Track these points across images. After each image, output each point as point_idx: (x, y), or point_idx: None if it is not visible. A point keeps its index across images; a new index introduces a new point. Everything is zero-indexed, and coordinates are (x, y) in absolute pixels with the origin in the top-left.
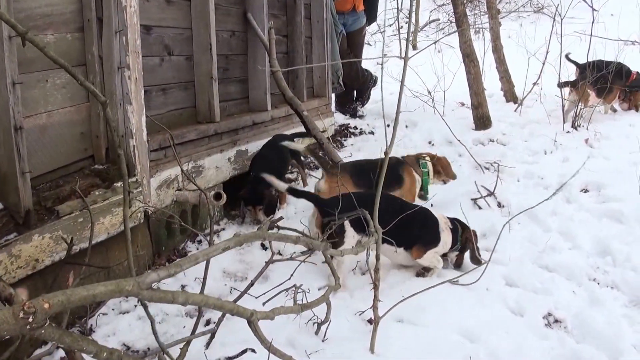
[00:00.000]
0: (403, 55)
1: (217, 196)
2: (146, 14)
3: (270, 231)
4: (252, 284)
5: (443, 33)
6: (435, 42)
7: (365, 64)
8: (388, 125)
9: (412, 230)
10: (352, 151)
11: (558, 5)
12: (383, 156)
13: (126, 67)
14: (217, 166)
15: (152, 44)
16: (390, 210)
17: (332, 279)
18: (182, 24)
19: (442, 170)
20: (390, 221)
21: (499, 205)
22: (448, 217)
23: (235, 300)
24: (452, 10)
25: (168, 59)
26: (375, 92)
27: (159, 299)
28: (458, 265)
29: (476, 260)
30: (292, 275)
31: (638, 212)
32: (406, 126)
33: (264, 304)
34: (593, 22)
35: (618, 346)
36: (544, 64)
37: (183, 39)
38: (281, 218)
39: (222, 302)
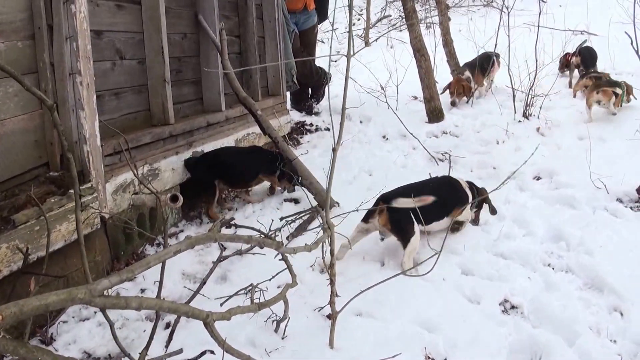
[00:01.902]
0: (354, 51)
1: (174, 198)
2: (97, 19)
3: (221, 232)
4: (204, 283)
5: (395, 29)
6: (377, 39)
7: (319, 62)
8: (347, 119)
9: (451, 197)
10: (309, 148)
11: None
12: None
13: (77, 73)
14: (174, 168)
15: (104, 49)
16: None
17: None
18: (133, 28)
19: None
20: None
21: None
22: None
23: (189, 302)
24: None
25: (120, 63)
26: (329, 89)
27: (112, 305)
28: (476, 221)
29: (494, 211)
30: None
31: (590, 197)
32: (360, 121)
33: (221, 304)
34: (540, 14)
35: (574, 329)
36: (492, 56)
37: (135, 43)
38: (232, 219)
39: (177, 305)
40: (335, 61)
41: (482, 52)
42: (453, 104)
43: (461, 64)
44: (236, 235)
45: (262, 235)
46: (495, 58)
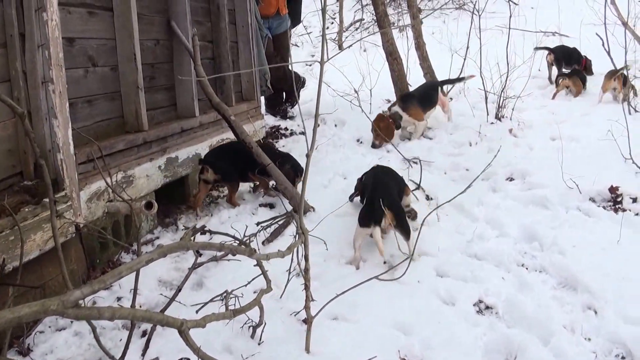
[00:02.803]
0: (328, 56)
1: (149, 205)
2: (68, 26)
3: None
4: (179, 290)
5: (368, 32)
6: (350, 46)
7: (293, 66)
8: (318, 125)
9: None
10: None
11: (476, 2)
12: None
13: (50, 81)
14: (148, 175)
15: (76, 56)
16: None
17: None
18: (106, 34)
19: None
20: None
21: (427, 198)
22: None
23: (164, 310)
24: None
25: (93, 70)
26: (304, 93)
27: (84, 316)
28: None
29: None
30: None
31: (562, 197)
32: (335, 125)
33: (197, 311)
34: (511, 16)
35: (549, 327)
36: (465, 58)
37: (107, 50)
38: (204, 227)
39: (151, 313)
40: (310, 65)
41: (427, 81)
42: (374, 146)
43: (434, 67)
44: (209, 242)
45: (237, 241)
46: (440, 87)
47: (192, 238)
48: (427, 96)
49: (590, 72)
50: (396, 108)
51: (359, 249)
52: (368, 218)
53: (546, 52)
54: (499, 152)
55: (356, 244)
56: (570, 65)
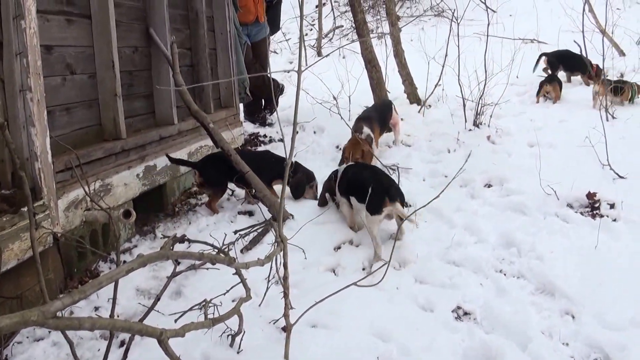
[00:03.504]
0: (307, 62)
1: (127, 214)
2: (47, 34)
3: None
4: (158, 299)
5: (347, 39)
6: (328, 55)
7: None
8: (297, 132)
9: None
10: None
11: (454, 10)
12: None
13: (28, 89)
14: (126, 183)
15: (54, 64)
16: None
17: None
18: (84, 42)
19: None
20: None
21: (406, 204)
22: None
23: (142, 319)
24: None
25: (71, 78)
26: (283, 100)
27: (65, 326)
28: None
29: None
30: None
31: (540, 203)
32: (314, 132)
33: (176, 320)
34: (489, 24)
35: (527, 333)
36: (443, 66)
37: (85, 57)
38: (184, 236)
39: (130, 323)
40: (288, 72)
41: (381, 100)
42: None
43: (413, 74)
44: (188, 252)
45: (216, 250)
46: (393, 107)
47: (171, 247)
48: (383, 117)
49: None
50: (367, 130)
51: (378, 238)
52: (381, 202)
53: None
54: (475, 157)
55: (374, 232)
56: (572, 72)
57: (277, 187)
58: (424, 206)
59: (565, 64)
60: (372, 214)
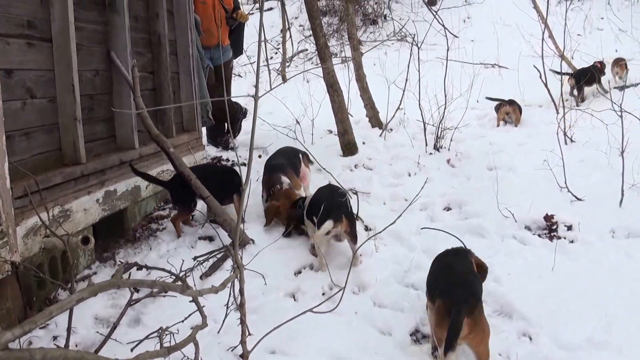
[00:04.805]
0: (271, 88)
1: (85, 240)
2: (7, 57)
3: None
4: (114, 328)
5: (311, 63)
6: (291, 77)
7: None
8: (260, 156)
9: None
10: None
11: (415, 35)
12: None
13: None
14: (85, 209)
15: (14, 88)
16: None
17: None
18: (44, 65)
19: None
20: None
21: (366, 228)
22: None
23: (99, 349)
24: None
25: (31, 102)
26: (246, 124)
27: (16, 358)
28: None
29: None
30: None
31: (498, 226)
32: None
33: (132, 349)
34: (448, 50)
35: None
36: (404, 90)
37: (45, 81)
38: (136, 263)
39: (83, 353)
40: (247, 96)
41: (285, 147)
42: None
43: (375, 98)
44: (140, 280)
45: (173, 277)
46: (301, 156)
47: (123, 275)
48: (295, 166)
49: (603, 73)
50: (286, 180)
51: (323, 255)
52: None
53: (566, 77)
54: (434, 181)
55: (321, 249)
56: (590, 84)
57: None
58: (380, 232)
59: (585, 79)
60: (319, 228)
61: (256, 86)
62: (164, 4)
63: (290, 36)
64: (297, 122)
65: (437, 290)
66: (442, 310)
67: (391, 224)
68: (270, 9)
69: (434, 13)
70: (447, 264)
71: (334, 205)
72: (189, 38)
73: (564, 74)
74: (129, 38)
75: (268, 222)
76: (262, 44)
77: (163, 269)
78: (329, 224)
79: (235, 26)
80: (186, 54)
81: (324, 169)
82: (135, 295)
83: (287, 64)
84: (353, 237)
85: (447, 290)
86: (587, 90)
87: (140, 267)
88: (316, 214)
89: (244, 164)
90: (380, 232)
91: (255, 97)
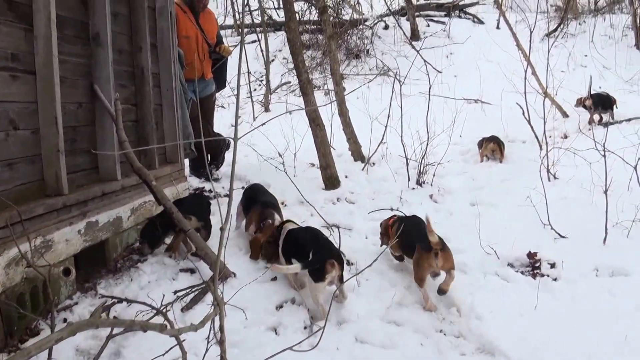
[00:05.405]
0: (255, 116)
1: (66, 272)
2: None
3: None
4: None
5: (295, 95)
6: (274, 117)
7: (218, 127)
8: (243, 187)
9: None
10: None
11: (397, 71)
12: None
13: None
14: (67, 239)
15: None
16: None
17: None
18: (28, 97)
19: None
20: None
21: (348, 263)
22: None
23: None
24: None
25: (14, 134)
26: (229, 155)
27: None
28: None
29: None
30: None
31: (480, 262)
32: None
33: None
34: (430, 87)
35: None
36: (386, 126)
37: (29, 113)
38: (115, 297)
39: None
40: (232, 138)
41: (260, 185)
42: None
43: (357, 132)
44: (118, 320)
45: (154, 311)
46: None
47: (102, 314)
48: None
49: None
50: (277, 217)
51: (324, 303)
52: (319, 275)
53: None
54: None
55: (320, 300)
56: (605, 110)
57: None
58: (363, 270)
59: (602, 104)
60: (316, 281)
61: (235, 127)
62: (148, 37)
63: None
64: (280, 155)
65: (416, 241)
66: (422, 251)
67: (374, 261)
68: (254, 41)
69: (417, 50)
70: (413, 224)
71: (326, 250)
72: (172, 71)
73: (586, 105)
74: (112, 71)
75: (255, 257)
76: (243, 80)
77: (144, 303)
78: (333, 274)
79: (218, 60)
80: (169, 86)
81: (308, 201)
82: (116, 329)
83: (270, 95)
84: (341, 279)
85: (425, 240)
86: (573, 127)
87: (120, 301)
88: (295, 255)
89: (227, 196)
90: (362, 271)
91: (235, 139)
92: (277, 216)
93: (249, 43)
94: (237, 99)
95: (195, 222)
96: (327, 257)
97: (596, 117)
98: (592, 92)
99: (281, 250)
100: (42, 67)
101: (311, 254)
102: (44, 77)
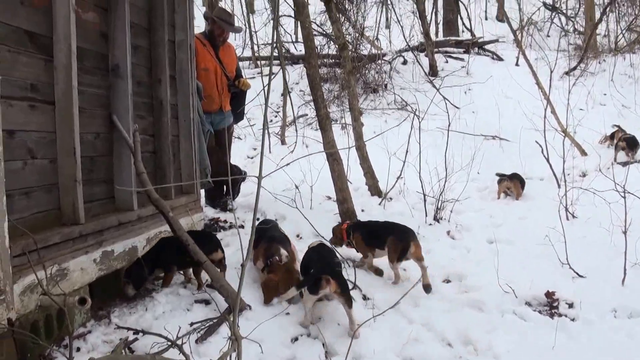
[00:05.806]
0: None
1: (82, 301)
2: (10, 118)
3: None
4: None
5: (311, 128)
6: (290, 153)
7: (234, 159)
8: (258, 219)
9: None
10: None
11: (415, 108)
12: None
13: None
14: (82, 268)
15: (15, 148)
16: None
17: None
18: (46, 127)
19: None
20: None
21: (364, 297)
22: None
23: None
24: None
25: (32, 162)
26: (245, 186)
27: None
28: None
29: None
30: None
31: (498, 300)
32: (275, 219)
33: None
34: (449, 124)
35: None
36: (404, 162)
37: (47, 142)
38: (137, 337)
39: None
40: (252, 158)
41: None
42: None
43: (375, 166)
44: (138, 356)
45: (169, 342)
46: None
47: (124, 350)
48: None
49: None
50: (284, 252)
51: (309, 311)
52: (312, 287)
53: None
54: (434, 252)
55: (306, 308)
56: (634, 151)
57: None
58: (383, 313)
59: (633, 145)
60: (310, 292)
61: (260, 165)
62: (167, 70)
63: (291, 100)
64: (297, 188)
65: (390, 236)
66: (396, 242)
67: (396, 304)
68: (273, 74)
69: (436, 88)
70: (384, 224)
71: (324, 265)
72: (191, 103)
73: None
74: (131, 102)
75: (268, 301)
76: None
77: (160, 335)
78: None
79: (236, 93)
80: (187, 118)
81: (322, 237)
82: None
83: (287, 127)
84: (347, 300)
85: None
86: (591, 165)
87: (136, 332)
88: (306, 270)
89: (242, 226)
90: (382, 313)
91: (259, 177)
92: (283, 251)
93: (266, 75)
94: (263, 140)
95: (220, 254)
96: (323, 272)
97: (621, 156)
98: (627, 135)
99: (300, 265)
100: (62, 97)
101: (313, 269)
102: (63, 107)
